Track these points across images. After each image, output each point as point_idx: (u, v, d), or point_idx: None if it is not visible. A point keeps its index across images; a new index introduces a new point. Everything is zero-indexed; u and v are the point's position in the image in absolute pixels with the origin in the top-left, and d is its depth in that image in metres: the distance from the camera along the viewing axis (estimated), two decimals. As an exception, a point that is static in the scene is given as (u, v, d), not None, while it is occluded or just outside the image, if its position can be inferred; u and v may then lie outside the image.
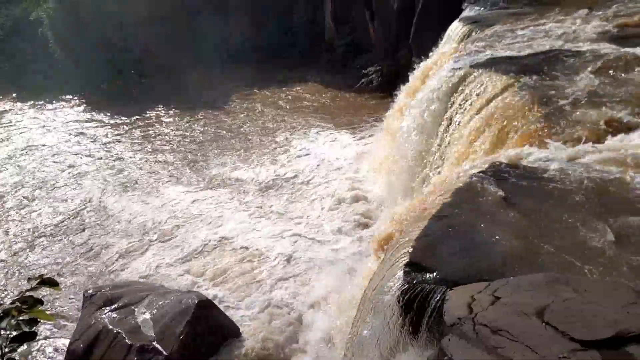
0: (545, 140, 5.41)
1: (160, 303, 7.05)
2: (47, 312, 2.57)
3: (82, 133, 17.80)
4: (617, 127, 5.29)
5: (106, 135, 17.36)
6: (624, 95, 5.77)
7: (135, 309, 7.09)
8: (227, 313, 7.58)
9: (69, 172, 14.54)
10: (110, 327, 6.75)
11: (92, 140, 17.10)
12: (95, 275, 9.68)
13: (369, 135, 15.29)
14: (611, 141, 5.05)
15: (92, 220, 11.77)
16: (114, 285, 7.83)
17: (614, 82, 6.14)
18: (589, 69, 6.64)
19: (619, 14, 9.07)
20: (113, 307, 7.16)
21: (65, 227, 11.57)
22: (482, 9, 12.33)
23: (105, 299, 7.26)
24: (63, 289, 9.08)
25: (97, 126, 18.37)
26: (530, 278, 3.12)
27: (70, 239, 11.06)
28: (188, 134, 17.02)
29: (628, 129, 5.21)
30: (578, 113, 5.69)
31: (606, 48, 7.23)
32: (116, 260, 10.11)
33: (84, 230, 11.37)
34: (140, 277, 9.31)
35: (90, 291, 7.52)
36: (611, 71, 6.41)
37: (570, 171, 4.65)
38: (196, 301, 6.85)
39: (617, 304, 2.71)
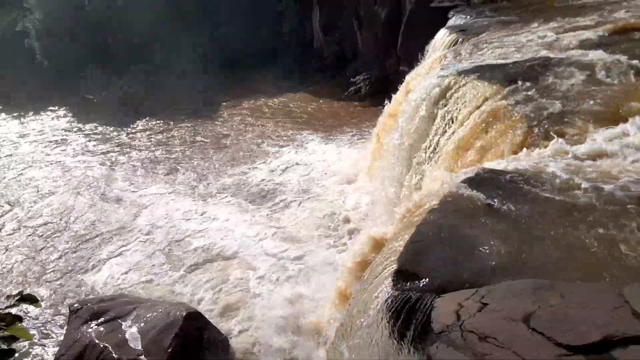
0: (530, 148, 5.46)
1: (147, 316, 6.96)
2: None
3: (64, 142, 17.74)
4: (597, 132, 5.35)
5: (88, 145, 17.35)
6: (606, 102, 5.84)
7: (123, 323, 6.99)
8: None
9: (46, 181, 14.55)
10: (97, 341, 6.64)
11: (74, 149, 17.12)
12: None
13: (356, 143, 15.35)
14: (594, 148, 5.09)
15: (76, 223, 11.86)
16: (100, 299, 7.72)
17: (597, 88, 6.21)
18: (574, 76, 6.72)
19: (603, 21, 9.22)
20: (100, 320, 7.05)
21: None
22: (468, 17, 12.48)
23: (92, 313, 7.15)
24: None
25: (80, 136, 18.31)
26: (517, 284, 3.12)
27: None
28: (172, 141, 17.00)
29: (607, 136, 5.28)
30: (563, 121, 5.75)
31: (590, 55, 7.32)
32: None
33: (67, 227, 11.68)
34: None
35: (76, 305, 7.40)
36: (595, 78, 6.48)
37: (555, 178, 4.68)
38: (184, 313, 6.76)
39: (602, 308, 2.72)
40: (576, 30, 8.89)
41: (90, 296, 8.78)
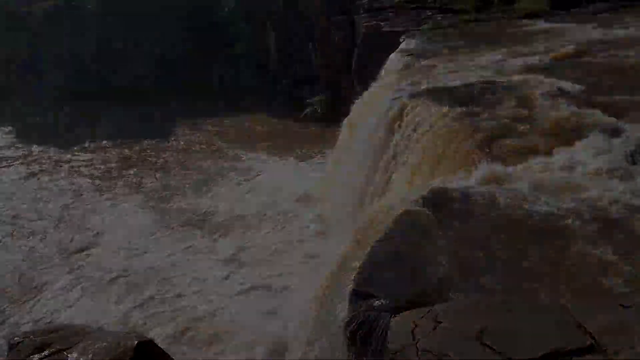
0: (479, 166, 5.65)
1: (95, 347, 6.56)
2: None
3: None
4: (541, 151, 5.64)
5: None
6: (545, 122, 6.16)
7: (69, 355, 6.55)
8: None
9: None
10: (39, 377, 6.21)
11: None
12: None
13: (314, 164, 15.45)
14: (535, 165, 5.35)
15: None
16: (43, 331, 7.23)
17: (537, 109, 6.56)
18: (517, 97, 7.07)
19: (545, 48, 9.78)
20: (43, 354, 6.60)
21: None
22: (419, 42, 12.93)
23: (34, 347, 6.68)
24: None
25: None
26: (469, 301, 3.19)
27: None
28: (126, 167, 16.57)
29: (547, 153, 5.58)
30: (509, 140, 6.01)
31: (531, 79, 7.74)
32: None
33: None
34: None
35: (16, 338, 6.89)
36: (535, 100, 6.85)
37: (504, 194, 4.86)
38: (135, 343, 6.41)
39: (548, 322, 2.81)
40: (518, 57, 9.40)
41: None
